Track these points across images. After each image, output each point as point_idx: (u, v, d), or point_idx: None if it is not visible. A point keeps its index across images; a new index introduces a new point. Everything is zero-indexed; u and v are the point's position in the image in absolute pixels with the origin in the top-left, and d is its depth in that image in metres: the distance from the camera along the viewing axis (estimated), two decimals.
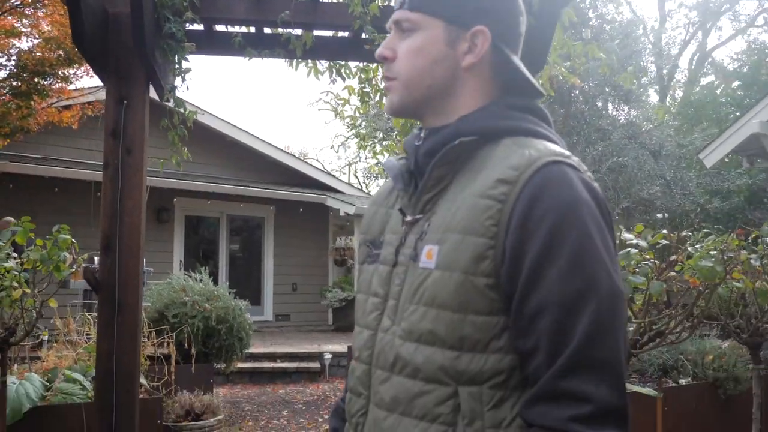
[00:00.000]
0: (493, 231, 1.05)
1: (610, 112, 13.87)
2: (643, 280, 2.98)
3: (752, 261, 3.74)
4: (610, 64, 12.35)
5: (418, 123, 1.30)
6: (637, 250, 3.09)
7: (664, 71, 23.80)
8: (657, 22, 25.60)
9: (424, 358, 1.09)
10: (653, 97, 23.69)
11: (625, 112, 14.00)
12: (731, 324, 4.17)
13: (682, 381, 5.57)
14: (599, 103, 13.36)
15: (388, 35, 1.26)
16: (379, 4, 3.48)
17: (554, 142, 1.18)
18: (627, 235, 3.29)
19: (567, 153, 1.13)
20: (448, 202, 1.14)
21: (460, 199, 1.12)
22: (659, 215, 12.22)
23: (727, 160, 9.55)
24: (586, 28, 12.78)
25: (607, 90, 13.02)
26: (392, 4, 3.69)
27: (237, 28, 3.85)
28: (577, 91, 12.55)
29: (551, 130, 1.23)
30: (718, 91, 22.44)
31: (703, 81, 25.55)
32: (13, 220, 6.25)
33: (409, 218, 1.20)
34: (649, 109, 15.10)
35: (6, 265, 3.50)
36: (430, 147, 1.20)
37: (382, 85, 3.99)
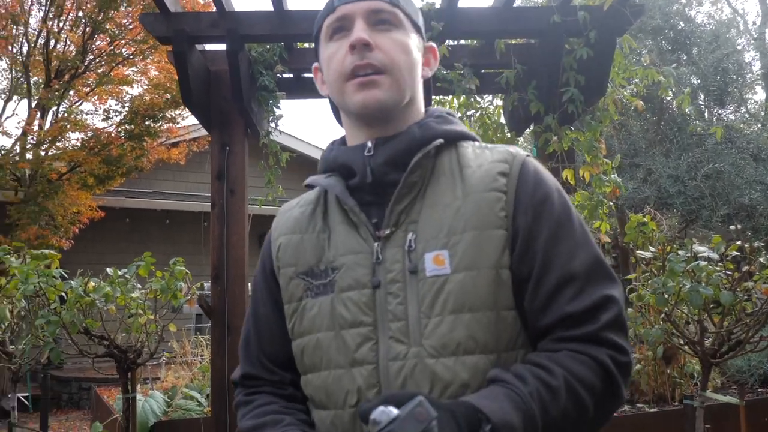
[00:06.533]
0: (506, 221, 1.08)
1: (706, 117, 13.49)
2: (711, 292, 3.09)
3: None
4: (701, 72, 12.01)
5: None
6: (706, 262, 3.21)
7: None
8: (759, 17, 24.56)
9: (470, 370, 1.03)
10: (760, 95, 22.65)
11: (723, 115, 13.59)
12: None
13: None
14: (688, 110, 13.05)
15: (357, 25, 1.15)
16: (448, 44, 3.76)
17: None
18: (699, 248, 3.40)
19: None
20: (433, 208, 1.11)
21: (451, 200, 1.10)
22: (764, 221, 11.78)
23: None
24: (674, 33, 12.53)
25: (701, 95, 12.72)
26: (461, 42, 3.97)
27: None
28: (669, 97, 12.27)
29: None
30: None
31: None
32: None
33: (386, 231, 1.11)
34: (757, 109, 14.55)
35: (132, 295, 3.99)
36: (390, 155, 1.13)
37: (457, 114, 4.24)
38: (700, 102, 13.27)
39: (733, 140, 11.85)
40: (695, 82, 12.82)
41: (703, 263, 3.21)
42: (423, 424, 0.85)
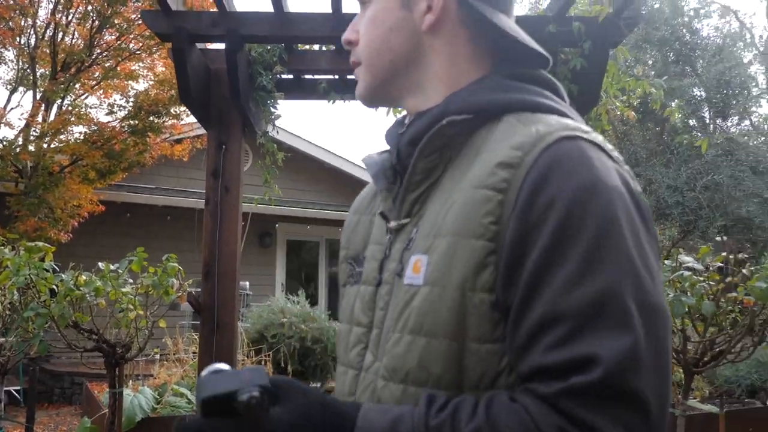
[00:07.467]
0: (493, 230, 0.82)
1: (710, 129, 13.54)
2: (693, 301, 3.12)
3: None
4: (704, 84, 12.05)
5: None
6: (690, 272, 3.24)
7: None
8: (766, 31, 24.62)
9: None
10: (765, 108, 22.67)
11: (725, 127, 13.65)
12: None
13: None
14: (692, 122, 13.10)
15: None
16: None
17: (570, 117, 0.93)
18: (684, 258, 3.44)
19: (587, 129, 0.89)
20: (439, 201, 0.91)
21: (455, 193, 0.89)
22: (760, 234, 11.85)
23: None
24: (679, 44, 12.57)
25: (705, 107, 12.77)
26: None
27: (323, 75, 4.29)
28: (658, 109, 12.30)
29: (566, 104, 0.98)
30: None
31: None
32: None
33: (393, 224, 0.97)
34: (761, 122, 14.62)
35: (123, 290, 4.02)
36: (413, 133, 0.97)
37: None
38: (703, 114, 13.31)
39: (733, 152, 11.89)
40: (699, 95, 12.85)
41: (687, 273, 3.25)
42: (240, 385, 0.72)
